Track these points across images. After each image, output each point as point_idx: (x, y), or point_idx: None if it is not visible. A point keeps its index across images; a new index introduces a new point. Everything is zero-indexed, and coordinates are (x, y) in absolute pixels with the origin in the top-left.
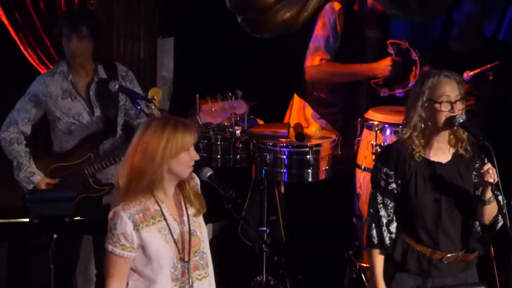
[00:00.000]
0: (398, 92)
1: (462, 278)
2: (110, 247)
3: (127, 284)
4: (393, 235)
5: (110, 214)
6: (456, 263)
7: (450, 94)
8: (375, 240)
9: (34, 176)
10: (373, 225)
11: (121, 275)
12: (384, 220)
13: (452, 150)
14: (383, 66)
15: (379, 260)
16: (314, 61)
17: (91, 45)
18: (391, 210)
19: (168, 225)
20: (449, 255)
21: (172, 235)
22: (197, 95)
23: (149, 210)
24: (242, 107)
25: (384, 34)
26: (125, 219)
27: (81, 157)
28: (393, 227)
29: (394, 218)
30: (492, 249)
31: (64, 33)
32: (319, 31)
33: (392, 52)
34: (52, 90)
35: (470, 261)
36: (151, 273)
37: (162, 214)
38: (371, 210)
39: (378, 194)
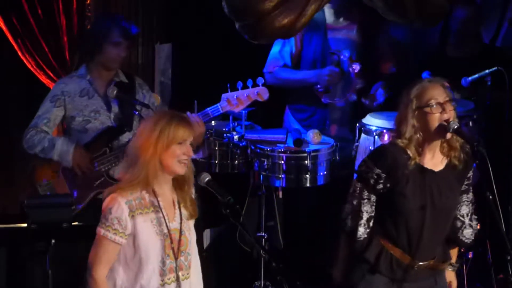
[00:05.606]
0: (338, 101)
1: (431, 281)
2: (102, 231)
3: (115, 280)
4: (368, 231)
5: (107, 200)
6: (426, 270)
7: (438, 97)
8: (348, 229)
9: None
10: (350, 216)
11: (108, 262)
12: (366, 216)
13: (445, 160)
14: (322, 75)
15: (345, 247)
16: (269, 67)
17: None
18: (374, 207)
19: (160, 217)
20: (421, 263)
21: (163, 229)
22: (195, 101)
23: (145, 199)
24: (264, 93)
25: (362, 35)
26: (122, 204)
27: (96, 151)
28: (371, 223)
29: (373, 215)
30: (490, 254)
31: (114, 40)
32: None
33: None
34: (70, 88)
35: (441, 269)
36: (138, 264)
37: (158, 206)
38: (354, 202)
39: (365, 190)
